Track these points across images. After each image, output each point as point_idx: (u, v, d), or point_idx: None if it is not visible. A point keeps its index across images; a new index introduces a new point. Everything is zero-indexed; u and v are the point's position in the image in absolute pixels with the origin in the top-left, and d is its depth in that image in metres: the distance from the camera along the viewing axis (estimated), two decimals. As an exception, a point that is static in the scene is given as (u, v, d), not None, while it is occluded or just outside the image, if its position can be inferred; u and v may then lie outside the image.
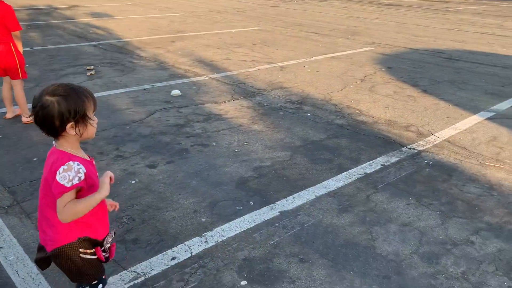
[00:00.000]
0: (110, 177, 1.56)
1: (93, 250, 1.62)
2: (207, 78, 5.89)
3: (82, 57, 6.71)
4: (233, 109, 4.70)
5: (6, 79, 4.10)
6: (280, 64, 6.80)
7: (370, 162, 3.55)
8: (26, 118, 4.05)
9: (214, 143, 3.82)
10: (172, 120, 4.33)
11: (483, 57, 7.76)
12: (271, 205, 2.88)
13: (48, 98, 1.44)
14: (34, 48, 7.25)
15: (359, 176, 3.31)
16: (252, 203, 2.89)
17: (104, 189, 1.50)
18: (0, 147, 3.59)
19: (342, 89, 5.56)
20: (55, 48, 7.33)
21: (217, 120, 4.38)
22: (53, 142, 1.53)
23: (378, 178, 3.28)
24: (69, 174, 1.43)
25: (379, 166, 3.48)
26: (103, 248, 1.63)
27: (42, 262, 1.65)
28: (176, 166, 3.37)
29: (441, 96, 5.39)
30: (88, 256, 1.60)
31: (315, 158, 3.59)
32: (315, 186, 3.15)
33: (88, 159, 1.58)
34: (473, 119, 4.64)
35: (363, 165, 3.48)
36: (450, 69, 6.79)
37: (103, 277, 1.72)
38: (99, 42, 7.85)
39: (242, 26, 10.44)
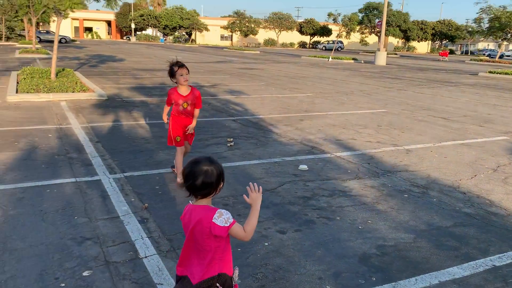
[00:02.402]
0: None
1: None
2: (333, 155, 6.27)
3: (223, 130, 7.65)
4: (358, 187, 4.95)
5: (182, 149, 4.93)
6: (406, 147, 6.92)
7: (500, 255, 3.46)
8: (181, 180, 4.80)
9: (338, 218, 4.09)
10: (300, 192, 4.73)
11: None
12: (393, 283, 3.01)
13: (208, 167, 1.97)
14: (185, 119, 8.49)
15: (487, 267, 3.26)
16: (374, 279, 3.05)
17: (258, 203, 2.06)
18: (161, 201, 4.33)
19: (471, 178, 5.46)
20: (201, 121, 8.47)
21: (342, 196, 4.66)
22: (190, 201, 2.04)
23: (509, 272, 3.19)
24: (224, 218, 1.95)
25: (510, 260, 3.38)
26: (232, 279, 2.07)
27: None
28: (303, 235, 3.70)
29: None
30: None
31: (440, 244, 3.62)
32: (439, 271, 3.19)
33: None
34: None
35: (492, 257, 3.42)
36: None
37: None
38: (237, 118, 8.86)
39: (368, 108, 10.82)
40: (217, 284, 2.04)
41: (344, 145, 6.93)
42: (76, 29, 79.26)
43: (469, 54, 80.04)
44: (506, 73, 24.46)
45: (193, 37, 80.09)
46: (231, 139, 6.94)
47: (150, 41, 72.60)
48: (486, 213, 4.34)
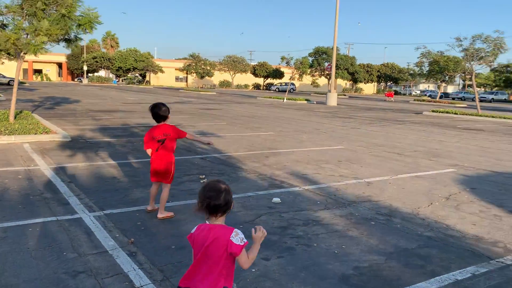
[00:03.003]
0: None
1: None
2: (301, 189, 6.65)
3: (193, 168, 7.88)
4: (328, 217, 5.32)
5: (158, 183, 5.13)
6: (366, 180, 7.44)
7: (461, 270, 3.90)
8: (162, 215, 4.98)
9: (315, 244, 4.41)
10: (276, 223, 5.03)
11: None
12: (372, 298, 3.33)
13: (225, 186, 2.29)
14: (154, 158, 8.64)
15: (451, 281, 3.67)
16: (356, 295, 3.37)
17: (260, 241, 2.34)
18: (145, 236, 4.48)
19: (428, 206, 6.00)
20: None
21: (315, 225, 5.01)
22: (206, 221, 2.32)
23: (469, 285, 3.61)
24: (240, 237, 2.23)
25: (469, 275, 3.81)
26: None
27: None
28: (286, 261, 3.98)
29: (529, 217, 5.60)
30: None
31: (408, 263, 4.02)
32: (410, 286, 3.56)
33: None
34: None
35: (454, 272, 3.84)
36: (537, 193, 6.95)
37: None
38: (205, 156, 9.12)
39: (326, 145, 11.42)
40: None
41: (310, 179, 7.35)
42: (25, 71, 77.12)
43: (412, 94, 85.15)
44: (447, 112, 26.41)
45: (147, 78, 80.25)
46: (203, 176, 7.19)
47: (103, 83, 71.96)
48: (444, 236, 4.82)
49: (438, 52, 29.87)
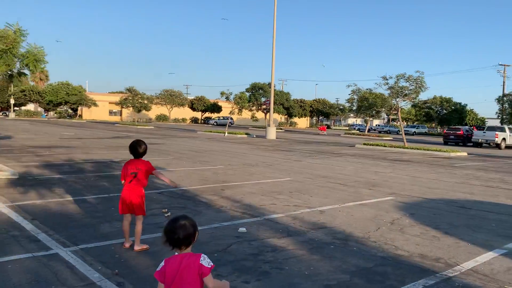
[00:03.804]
0: None
1: None
2: (262, 219, 7.11)
3: (153, 202, 8.07)
4: (292, 243, 5.81)
5: (128, 216, 5.36)
6: (319, 208, 8.07)
7: (414, 283, 4.53)
8: (138, 247, 5.19)
9: (287, 267, 4.86)
10: (248, 250, 5.43)
11: (492, 206, 9.00)
12: (346, 310, 3.83)
13: (187, 222, 2.59)
14: (111, 194, 8.70)
15: (407, 292, 4.28)
16: (331, 308, 3.85)
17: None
18: (128, 267, 4.68)
19: (376, 230, 6.71)
20: (128, 194, 8.77)
21: (283, 251, 5.47)
22: (175, 252, 2.59)
23: (423, 294, 4.24)
24: (208, 261, 2.58)
25: (421, 286, 4.46)
26: None
27: None
28: (265, 283, 4.39)
29: (460, 237, 6.48)
30: None
31: (370, 280, 4.59)
32: (375, 298, 4.11)
33: None
34: (490, 255, 5.66)
35: (408, 285, 4.47)
36: (464, 216, 7.98)
37: None
38: (162, 190, 9.32)
39: (275, 177, 12.04)
40: None
41: (268, 209, 7.84)
42: None
43: (343, 125, 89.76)
44: (377, 145, 28.42)
45: (79, 112, 77.59)
46: (166, 209, 7.39)
47: (32, 117, 68.50)
48: (395, 255, 5.49)
49: (367, 89, 32.34)
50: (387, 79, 27.54)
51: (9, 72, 12.63)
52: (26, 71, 13.16)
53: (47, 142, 21.57)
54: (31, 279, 4.20)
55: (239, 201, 8.44)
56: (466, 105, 68.65)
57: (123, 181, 5.39)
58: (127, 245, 5.35)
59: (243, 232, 6.25)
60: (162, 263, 2.60)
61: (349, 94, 37.97)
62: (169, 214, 7.17)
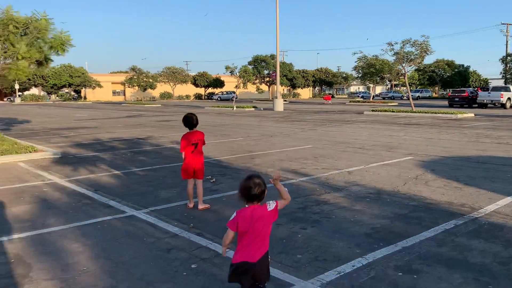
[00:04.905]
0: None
1: None
2: (298, 180, 7.84)
3: (195, 171, 8.79)
4: (332, 198, 6.55)
5: (191, 181, 6.07)
6: (346, 170, 8.79)
7: (446, 223, 5.27)
8: (202, 206, 5.95)
9: (334, 217, 5.61)
10: (295, 205, 6.17)
11: (505, 160, 9.70)
12: (394, 245, 4.58)
13: (260, 180, 3.01)
14: (154, 166, 9.43)
15: (442, 230, 5.02)
16: (382, 244, 4.60)
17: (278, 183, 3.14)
18: (198, 222, 5.43)
19: (404, 185, 7.43)
20: (169, 167, 9.50)
21: (325, 204, 6.21)
22: (247, 204, 3.15)
23: (455, 231, 4.98)
24: (271, 202, 3.06)
25: (453, 225, 5.20)
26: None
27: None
28: (318, 229, 5.14)
29: (480, 186, 7.20)
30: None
31: (408, 222, 5.34)
32: (415, 236, 4.85)
33: None
34: (509, 199, 6.38)
35: (442, 225, 5.21)
36: (481, 169, 8.69)
37: None
38: (197, 161, 10.04)
39: (296, 146, 12.73)
40: (268, 255, 3.21)
41: (299, 173, 8.56)
42: None
43: (346, 94, 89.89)
44: (385, 110, 28.99)
45: (82, 94, 77.98)
46: (210, 176, 8.15)
47: (38, 101, 69.01)
48: (424, 204, 6.22)
49: (373, 56, 32.65)
50: (392, 45, 27.86)
51: (39, 59, 13.18)
52: (51, 57, 13.68)
53: (65, 124, 22.27)
54: (123, 233, 4.96)
55: (271, 167, 9.16)
56: (469, 67, 68.73)
57: (182, 152, 6.07)
58: (190, 205, 6.09)
59: (286, 191, 6.97)
60: (234, 214, 3.04)
61: (355, 62, 38.24)
62: (214, 180, 7.95)
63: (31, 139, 14.86)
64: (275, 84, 36.36)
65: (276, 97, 35.98)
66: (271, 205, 3.05)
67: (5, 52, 11.48)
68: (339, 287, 3.67)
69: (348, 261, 4.16)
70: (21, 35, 11.98)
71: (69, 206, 6.18)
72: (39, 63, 13.12)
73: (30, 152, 10.70)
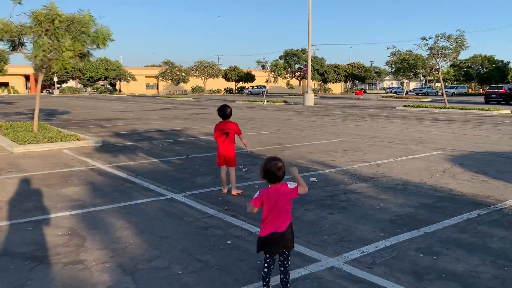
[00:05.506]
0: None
1: None
2: (326, 171, 8.13)
3: (228, 160, 9.21)
4: (359, 188, 6.82)
5: (224, 168, 6.49)
6: (375, 162, 9.01)
7: (470, 212, 5.48)
8: (235, 192, 6.35)
9: (360, 204, 5.90)
10: (323, 193, 6.49)
11: (536, 156, 9.65)
12: (416, 230, 4.84)
13: (282, 163, 3.39)
14: (190, 156, 9.92)
15: (465, 219, 5.24)
16: (405, 229, 4.87)
17: (297, 175, 3.51)
18: (232, 205, 5.84)
19: (431, 177, 7.61)
20: (206, 156, 9.97)
21: (353, 193, 6.50)
22: (270, 185, 3.47)
23: (478, 220, 5.19)
24: (292, 184, 3.40)
25: (476, 215, 5.40)
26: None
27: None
28: (345, 214, 5.44)
29: (508, 180, 7.30)
30: None
31: (432, 211, 5.57)
32: (438, 223, 5.09)
33: None
34: (536, 193, 6.48)
35: (465, 214, 5.41)
36: (510, 165, 8.72)
37: None
38: (230, 151, 10.46)
39: (326, 139, 12.98)
40: (292, 226, 3.54)
41: (328, 164, 8.84)
42: (-12, 84, 75.63)
43: (377, 91, 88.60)
44: (418, 106, 28.67)
45: (117, 86, 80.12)
46: (242, 165, 8.55)
47: (75, 93, 71.52)
48: (450, 195, 6.41)
49: (407, 51, 32.24)
50: (426, 40, 27.47)
51: (81, 53, 13.92)
52: (92, 51, 14.41)
53: (104, 115, 23.21)
54: (163, 213, 5.43)
55: (301, 159, 9.48)
56: (509, 62, 66.48)
57: (215, 139, 6.49)
58: (224, 190, 6.51)
59: (314, 181, 7.30)
60: (258, 193, 3.37)
61: (388, 56, 37.78)
62: (246, 169, 8.35)
63: (73, 129, 15.70)
64: (306, 79, 36.43)
65: (307, 92, 36.08)
66: (292, 184, 3.42)
67: (52, 46, 12.22)
68: (362, 264, 3.98)
69: (371, 242, 4.46)
70: (65, 30, 12.73)
71: (113, 189, 6.72)
72: (82, 56, 13.87)
73: (74, 140, 11.41)
